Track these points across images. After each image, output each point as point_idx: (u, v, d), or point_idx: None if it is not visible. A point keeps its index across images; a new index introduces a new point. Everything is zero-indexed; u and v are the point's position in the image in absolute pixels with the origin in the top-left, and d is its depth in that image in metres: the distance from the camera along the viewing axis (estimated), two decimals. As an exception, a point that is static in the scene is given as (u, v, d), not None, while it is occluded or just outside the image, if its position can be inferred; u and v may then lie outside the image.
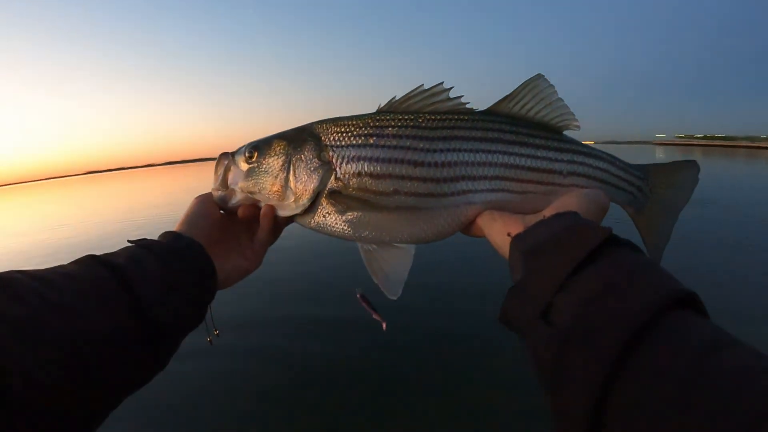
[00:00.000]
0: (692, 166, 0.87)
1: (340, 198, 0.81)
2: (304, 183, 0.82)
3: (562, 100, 0.80)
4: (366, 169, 0.80)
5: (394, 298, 0.81)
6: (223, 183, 0.86)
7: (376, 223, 0.80)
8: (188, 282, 0.69)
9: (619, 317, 0.46)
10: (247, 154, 0.86)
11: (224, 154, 0.88)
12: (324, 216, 0.83)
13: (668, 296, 0.46)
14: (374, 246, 0.84)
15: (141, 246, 0.70)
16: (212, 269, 0.75)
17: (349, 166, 0.81)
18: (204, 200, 0.85)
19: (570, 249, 0.55)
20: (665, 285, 0.48)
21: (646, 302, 0.46)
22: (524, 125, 0.80)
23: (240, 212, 0.85)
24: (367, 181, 0.79)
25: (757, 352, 0.40)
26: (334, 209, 0.82)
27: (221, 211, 0.86)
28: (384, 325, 2.08)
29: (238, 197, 0.85)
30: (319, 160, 0.82)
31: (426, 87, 0.81)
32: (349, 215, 0.81)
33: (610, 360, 0.44)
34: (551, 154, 0.79)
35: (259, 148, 0.86)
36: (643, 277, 0.49)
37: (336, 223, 0.83)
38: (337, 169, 0.81)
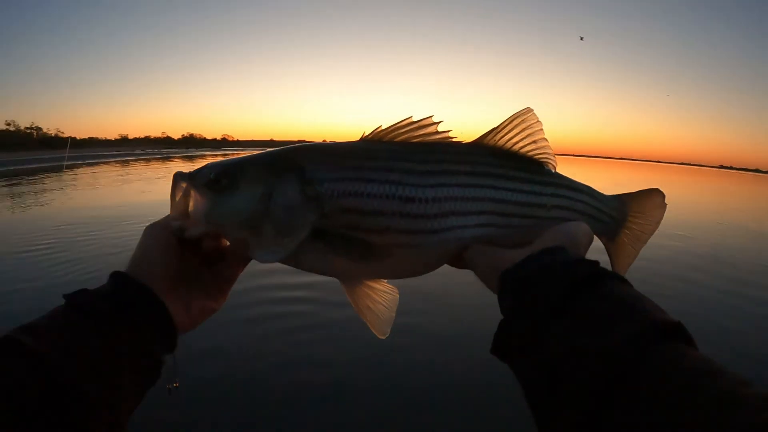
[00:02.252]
0: (658, 193, 0.93)
1: (325, 236, 0.74)
2: (286, 222, 0.73)
3: (546, 140, 0.82)
4: (355, 206, 0.74)
5: (383, 338, 0.80)
6: (183, 211, 0.75)
7: (364, 263, 0.75)
8: (136, 359, 0.61)
9: (607, 349, 0.47)
10: (213, 179, 0.74)
11: (181, 176, 0.76)
12: (306, 254, 0.75)
13: (655, 327, 0.48)
14: (360, 285, 0.80)
15: (78, 310, 0.60)
16: (170, 327, 0.65)
17: (338, 201, 0.74)
18: (159, 230, 0.72)
19: (558, 283, 0.57)
20: (652, 316, 0.50)
21: (633, 333, 0.48)
22: (510, 158, 0.80)
23: (205, 246, 0.74)
24: (357, 218, 0.73)
25: (744, 379, 0.41)
26: (318, 248, 0.74)
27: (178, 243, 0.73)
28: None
29: (200, 228, 0.73)
30: (303, 194, 0.73)
31: (415, 119, 0.78)
32: (335, 254, 0.75)
33: (598, 391, 0.45)
34: (536, 188, 0.80)
35: (228, 173, 0.75)
36: (631, 309, 0.51)
37: (320, 263, 0.77)
38: (324, 205, 0.73)
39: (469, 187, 0.76)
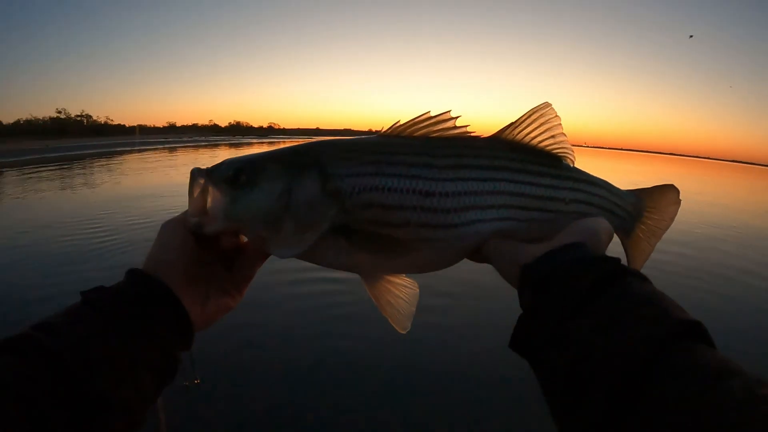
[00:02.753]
0: (673, 189, 0.92)
1: (345, 232, 0.73)
2: (307, 218, 0.72)
3: (565, 134, 0.81)
4: (376, 201, 0.73)
5: (404, 332, 0.80)
6: (201, 208, 0.73)
7: (385, 257, 0.75)
8: (153, 356, 0.60)
9: (627, 346, 0.47)
10: (231, 175, 0.73)
11: (198, 172, 0.74)
12: (326, 250, 0.75)
13: (675, 326, 0.48)
14: (380, 280, 0.81)
15: (94, 307, 0.60)
16: (187, 325, 0.65)
17: (359, 197, 0.73)
18: (176, 227, 0.72)
19: (579, 280, 0.57)
20: (673, 315, 0.50)
21: (654, 332, 0.48)
22: (528, 152, 0.80)
23: (222, 243, 0.76)
24: (377, 213, 0.73)
25: (763, 379, 0.41)
26: (338, 244, 0.74)
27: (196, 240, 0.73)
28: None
29: (218, 225, 0.72)
30: (323, 191, 0.73)
31: (433, 114, 0.78)
32: (356, 250, 0.74)
33: (617, 389, 0.45)
34: (555, 182, 0.79)
35: (247, 170, 0.74)
36: (651, 307, 0.51)
37: (340, 258, 0.76)
38: (345, 201, 0.73)
39: (488, 181, 0.76)
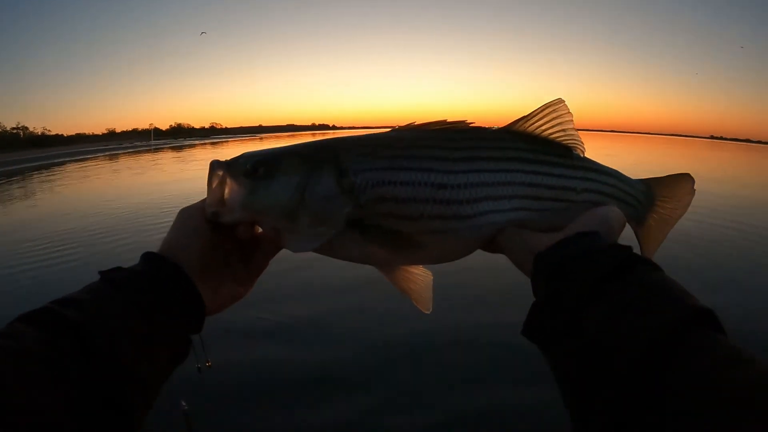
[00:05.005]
0: (688, 179, 0.93)
1: (361, 226, 0.75)
2: (321, 212, 0.74)
3: (575, 130, 0.82)
4: (390, 194, 0.75)
5: (428, 312, 0.83)
6: (219, 198, 0.75)
7: (399, 250, 0.76)
8: (168, 335, 0.62)
9: (641, 333, 0.48)
10: (249, 168, 0.75)
11: (218, 164, 0.76)
12: (341, 244, 0.76)
13: (688, 313, 0.49)
14: (396, 270, 0.83)
15: (113, 284, 0.61)
16: (200, 308, 0.67)
17: (373, 191, 0.74)
18: (193, 214, 0.74)
19: (592, 268, 0.58)
20: (684, 303, 0.50)
21: (666, 319, 0.48)
22: (539, 143, 0.81)
23: (238, 232, 0.76)
24: (392, 207, 0.75)
25: None
26: (353, 238, 0.75)
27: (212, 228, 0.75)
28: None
29: (235, 216, 0.74)
30: (339, 185, 0.74)
31: (449, 120, 0.80)
32: (370, 244, 0.75)
33: (631, 376, 0.46)
34: (566, 172, 0.81)
35: (265, 163, 0.76)
36: (663, 295, 0.52)
37: (355, 252, 0.77)
38: (360, 196, 0.74)
39: (500, 172, 0.77)
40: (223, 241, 0.75)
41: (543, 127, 0.81)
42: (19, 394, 0.46)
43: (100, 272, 0.63)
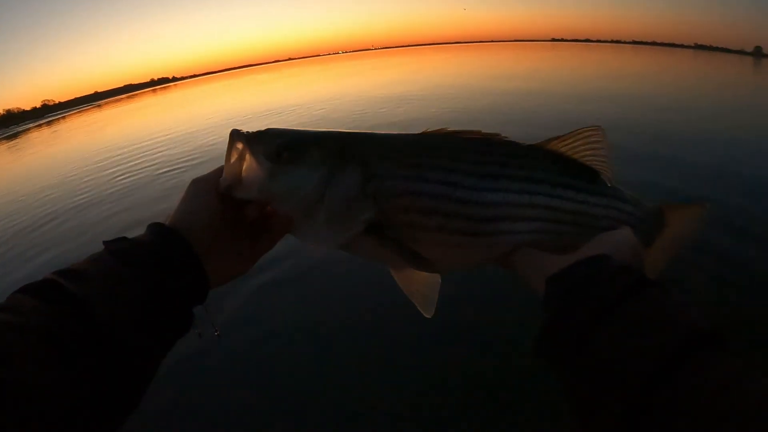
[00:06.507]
0: (703, 208, 0.94)
1: (379, 232, 0.74)
2: (340, 213, 0.73)
3: (609, 157, 0.83)
4: (414, 205, 0.74)
5: (429, 317, 0.82)
6: (236, 173, 0.72)
7: (412, 261, 0.75)
8: (172, 310, 0.62)
9: (647, 354, 0.51)
10: (273, 151, 0.73)
11: (238, 135, 0.74)
12: (355, 244, 0.75)
13: (692, 335, 0.51)
14: (405, 271, 0.83)
15: (117, 257, 0.60)
16: (204, 284, 0.67)
17: (397, 200, 0.74)
18: (205, 186, 0.72)
19: (602, 290, 0.60)
20: (690, 324, 0.53)
21: (672, 340, 0.51)
22: (568, 166, 0.81)
23: (249, 212, 0.74)
24: (413, 217, 0.74)
25: None
26: (369, 241, 0.74)
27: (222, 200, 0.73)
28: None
29: (250, 195, 0.72)
30: (363, 190, 0.73)
31: (484, 131, 0.79)
32: (385, 249, 0.74)
33: (639, 392, 0.49)
34: (590, 198, 0.82)
35: (291, 148, 0.74)
36: (670, 317, 0.55)
37: (370, 253, 0.78)
38: (383, 202, 0.73)
39: (526, 194, 0.77)
40: (233, 216, 0.73)
41: (577, 150, 0.82)
42: (22, 369, 0.46)
43: (105, 242, 0.62)
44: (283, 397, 2.62)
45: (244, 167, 0.72)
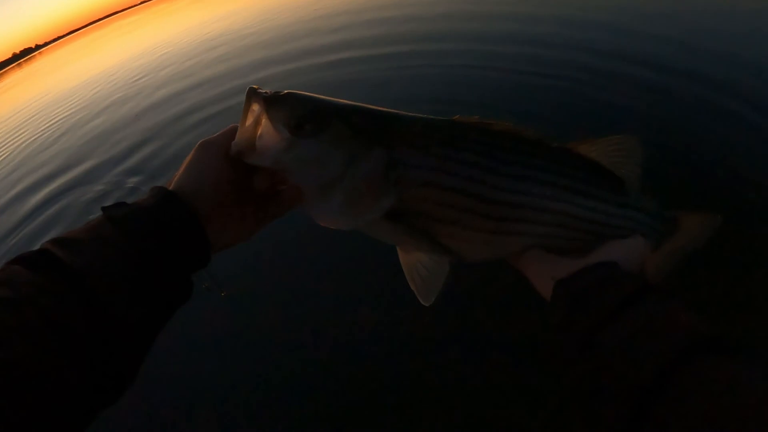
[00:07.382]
0: (716, 221, 0.91)
1: (396, 218, 0.72)
2: (358, 196, 0.69)
3: (639, 169, 0.81)
4: (434, 197, 0.73)
5: (427, 305, 0.79)
6: (250, 138, 0.67)
7: (425, 248, 0.77)
8: (170, 278, 0.60)
9: (649, 358, 0.53)
10: (294, 123, 0.67)
11: (255, 95, 0.68)
12: (369, 225, 0.74)
13: (693, 340, 0.53)
14: (414, 253, 0.80)
15: (115, 224, 0.58)
16: (206, 251, 0.65)
17: (419, 191, 0.72)
18: (213, 149, 0.68)
19: (607, 296, 0.62)
20: (691, 330, 0.55)
21: (673, 345, 0.53)
22: (595, 173, 0.79)
23: (258, 180, 0.70)
24: (432, 208, 0.73)
25: None
26: (384, 224, 0.72)
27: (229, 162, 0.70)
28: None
29: (263, 162, 0.67)
30: (386, 176, 0.70)
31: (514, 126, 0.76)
32: (398, 233, 0.74)
33: (640, 396, 0.51)
34: (611, 209, 0.80)
35: (314, 121, 0.68)
36: (671, 323, 0.57)
37: (384, 236, 0.77)
38: (404, 190, 0.71)
39: (546, 199, 0.76)
40: (241, 181, 0.70)
41: (608, 155, 0.79)
42: (16, 348, 0.45)
43: (103, 208, 0.61)
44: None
45: (259, 132, 0.68)
